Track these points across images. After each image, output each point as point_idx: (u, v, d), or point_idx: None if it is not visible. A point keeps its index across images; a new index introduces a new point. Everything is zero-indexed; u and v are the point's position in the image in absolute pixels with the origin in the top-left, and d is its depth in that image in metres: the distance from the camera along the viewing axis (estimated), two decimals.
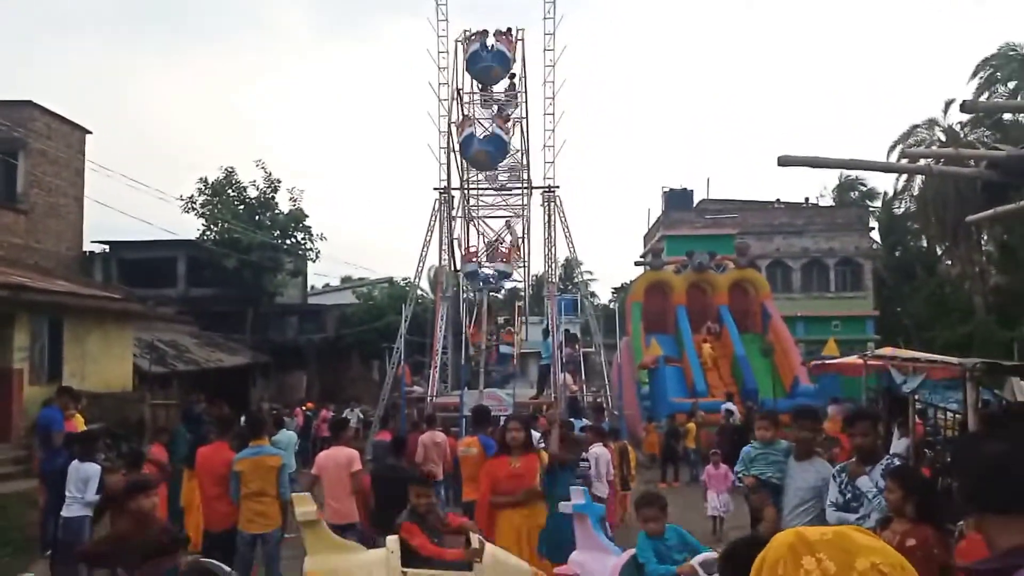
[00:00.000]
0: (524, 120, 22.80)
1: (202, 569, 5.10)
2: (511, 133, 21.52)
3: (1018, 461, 1.60)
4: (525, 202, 24.20)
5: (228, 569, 5.39)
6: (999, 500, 1.61)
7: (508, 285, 24.16)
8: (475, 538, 5.14)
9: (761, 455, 5.82)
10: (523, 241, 23.78)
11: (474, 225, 24.41)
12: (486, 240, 24.05)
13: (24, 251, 21.32)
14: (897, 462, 5.42)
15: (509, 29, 22.08)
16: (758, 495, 5.62)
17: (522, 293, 24.55)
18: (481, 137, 20.45)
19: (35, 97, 23.03)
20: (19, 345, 14.94)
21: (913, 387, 11.34)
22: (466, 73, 21.89)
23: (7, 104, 22.50)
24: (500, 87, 22.79)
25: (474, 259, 22.15)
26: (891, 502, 4.30)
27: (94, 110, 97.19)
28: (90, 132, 25.21)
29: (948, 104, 30.91)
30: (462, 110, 22.32)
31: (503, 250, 23.10)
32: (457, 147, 21.01)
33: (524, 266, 23.77)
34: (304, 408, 21.08)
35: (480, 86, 22.76)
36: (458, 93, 22.07)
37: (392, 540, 5.01)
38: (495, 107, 22.31)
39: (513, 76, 22.22)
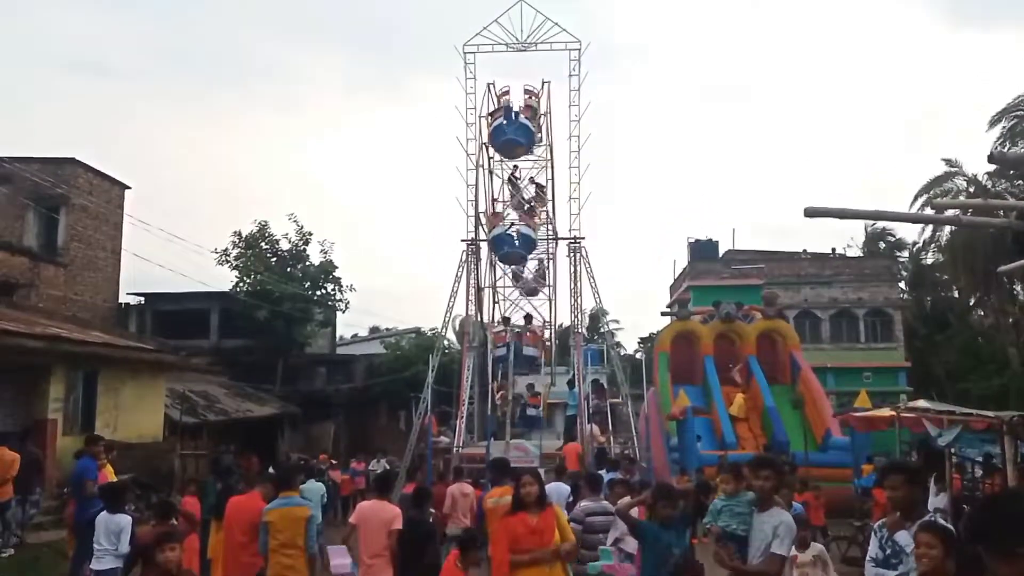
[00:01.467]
0: (549, 170, 23.14)
1: None
2: (537, 229, 22.08)
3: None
4: (551, 253, 24.40)
5: None
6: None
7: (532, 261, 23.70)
8: None
9: (727, 507, 5.86)
10: (550, 195, 23.23)
11: (496, 175, 23.85)
12: (512, 193, 23.63)
13: (63, 303, 21.86)
14: (939, 518, 5.35)
15: (531, 90, 22.55)
16: (722, 548, 5.60)
17: (549, 343, 24.52)
18: (511, 238, 21.01)
19: (77, 153, 23.97)
20: (54, 396, 15.22)
21: (948, 440, 11.15)
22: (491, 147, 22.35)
23: (52, 161, 23.39)
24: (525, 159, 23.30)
25: (498, 219, 21.89)
26: (931, 559, 4.22)
27: (132, 164, 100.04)
28: (129, 188, 26.05)
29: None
30: (492, 205, 22.89)
31: (527, 203, 22.61)
32: (486, 240, 21.66)
33: (550, 224, 23.29)
34: (324, 461, 20.44)
35: (503, 158, 23.17)
36: (484, 147, 22.50)
37: None
38: (524, 205, 22.71)
39: (532, 147, 22.48)
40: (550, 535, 6.14)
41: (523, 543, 6.08)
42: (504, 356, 21.00)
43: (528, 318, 23.14)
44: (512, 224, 21.42)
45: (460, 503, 10.59)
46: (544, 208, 22.90)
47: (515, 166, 23.31)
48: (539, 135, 22.27)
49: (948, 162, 31.98)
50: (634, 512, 6.52)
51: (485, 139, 22.24)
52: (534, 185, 23.15)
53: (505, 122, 21.19)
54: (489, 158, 23.12)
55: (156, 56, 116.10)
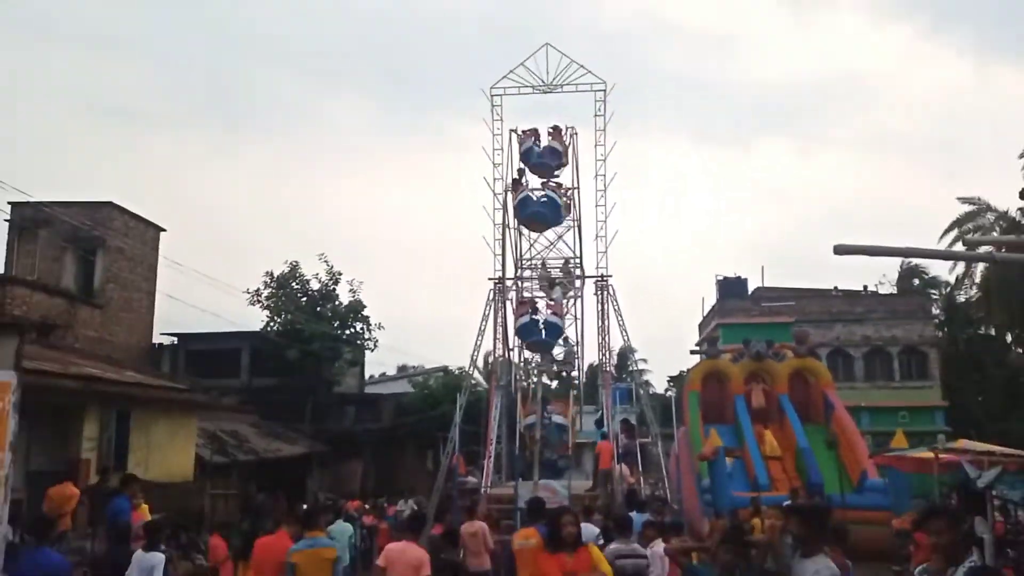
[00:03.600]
0: (576, 210, 23.28)
1: None
2: (565, 318, 22.18)
3: None
4: (578, 291, 24.43)
5: None
6: None
7: (558, 352, 23.59)
8: None
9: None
10: (577, 271, 23.24)
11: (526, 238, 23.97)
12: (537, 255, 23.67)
13: (98, 343, 22.24)
14: (978, 563, 5.20)
15: (557, 127, 22.86)
16: None
17: (576, 382, 24.41)
18: (538, 324, 21.05)
19: (113, 196, 24.57)
20: (88, 435, 15.40)
21: (988, 482, 10.86)
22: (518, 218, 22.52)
23: (89, 205, 24.01)
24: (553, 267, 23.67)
25: (525, 307, 21.81)
26: None
27: (165, 206, 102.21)
28: (164, 230, 26.62)
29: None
30: (520, 294, 23.07)
31: (553, 303, 22.55)
32: (513, 329, 21.76)
33: (578, 347, 23.46)
34: (358, 508, 19.32)
35: (535, 176, 23.36)
36: (510, 188, 22.75)
37: None
38: (554, 288, 22.89)
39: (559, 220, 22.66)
40: (585, 573, 6.06)
41: None
42: (533, 424, 20.92)
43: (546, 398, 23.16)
44: (537, 311, 21.36)
45: (468, 542, 10.49)
46: (572, 290, 23.07)
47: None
48: (567, 210, 22.48)
49: (969, 201, 31.49)
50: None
51: (509, 179, 22.53)
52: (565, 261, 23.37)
53: (534, 144, 21.55)
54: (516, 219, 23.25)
55: (187, 100, 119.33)
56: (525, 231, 23.72)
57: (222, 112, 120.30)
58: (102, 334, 23.04)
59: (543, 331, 20.94)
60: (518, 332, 21.34)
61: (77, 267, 23.96)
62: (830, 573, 5.26)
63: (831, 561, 5.39)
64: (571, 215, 23.12)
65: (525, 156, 21.93)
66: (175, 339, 30.48)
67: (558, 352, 23.87)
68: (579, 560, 6.08)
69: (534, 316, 20.96)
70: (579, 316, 24.21)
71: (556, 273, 23.70)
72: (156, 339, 28.38)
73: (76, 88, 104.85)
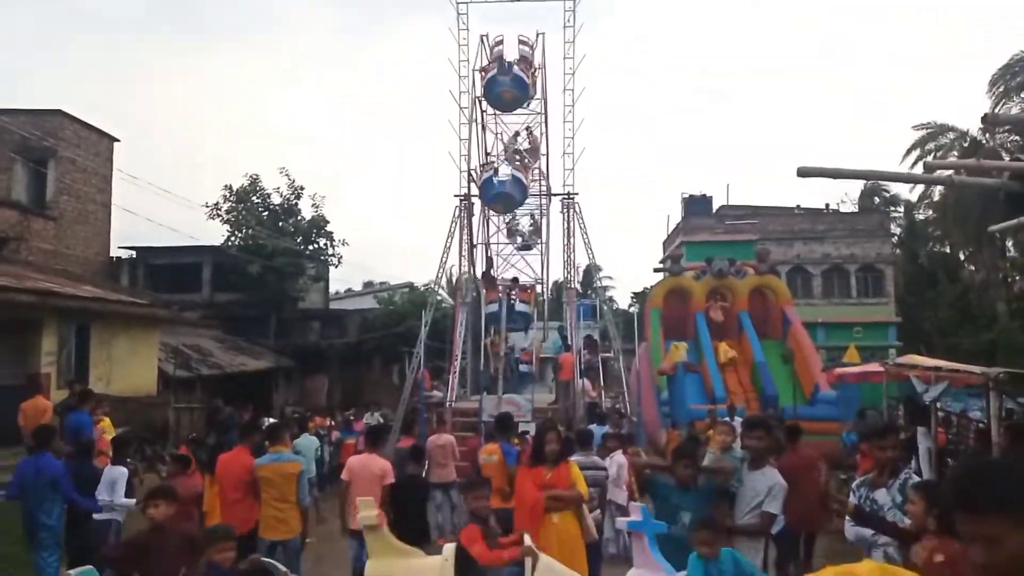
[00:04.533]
0: (543, 124, 22.90)
1: (260, 569, 5.22)
2: (530, 181, 21.68)
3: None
4: (544, 208, 24.30)
5: (284, 569, 5.50)
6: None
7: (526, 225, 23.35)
8: (527, 539, 5.13)
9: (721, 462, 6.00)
10: (544, 150, 22.81)
11: (490, 130, 23.28)
12: (504, 142, 23.29)
13: (53, 257, 21.75)
14: (915, 476, 5.46)
15: (526, 41, 22.15)
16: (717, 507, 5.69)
17: (542, 297, 24.55)
18: (501, 182, 20.56)
19: (64, 105, 23.56)
20: (47, 350, 15.27)
21: (935, 396, 11.30)
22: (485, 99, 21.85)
23: (37, 113, 23.04)
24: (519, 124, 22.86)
25: (489, 168, 21.35)
26: (914, 516, 4.31)
27: (121, 116, 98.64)
28: (118, 140, 25.74)
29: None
30: (483, 134, 22.46)
31: (521, 150, 22.22)
32: (477, 190, 21.19)
33: (543, 179, 23.01)
34: (321, 425, 18.20)
35: (497, 112, 22.74)
36: (477, 101, 22.20)
37: (448, 548, 4.83)
38: (516, 160, 22.28)
39: (527, 100, 22.01)
40: (564, 488, 6.22)
41: (535, 496, 6.11)
42: (497, 313, 21.02)
43: (515, 280, 23.10)
44: (499, 170, 21.00)
45: (435, 454, 10.67)
46: (537, 164, 22.70)
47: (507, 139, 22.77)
48: (533, 88, 21.94)
49: (924, 126, 31.85)
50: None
51: (479, 93, 21.92)
52: (528, 135, 22.82)
53: (499, 74, 20.84)
54: (483, 112, 22.84)
55: (140, 3, 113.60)
56: (493, 151, 23.31)
57: (177, 17, 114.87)
58: (57, 247, 22.52)
59: (505, 184, 20.51)
60: (481, 190, 20.88)
61: (28, 178, 23.17)
62: (782, 485, 5.48)
63: (777, 472, 5.61)
64: (539, 126, 22.67)
65: (488, 87, 21.12)
66: (133, 253, 29.93)
67: (524, 227, 23.68)
68: (558, 475, 6.20)
69: (496, 178, 20.68)
70: (545, 239, 24.12)
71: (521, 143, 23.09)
72: (114, 253, 27.85)
73: None
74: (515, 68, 20.88)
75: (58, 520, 7.50)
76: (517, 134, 23.02)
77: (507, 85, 20.74)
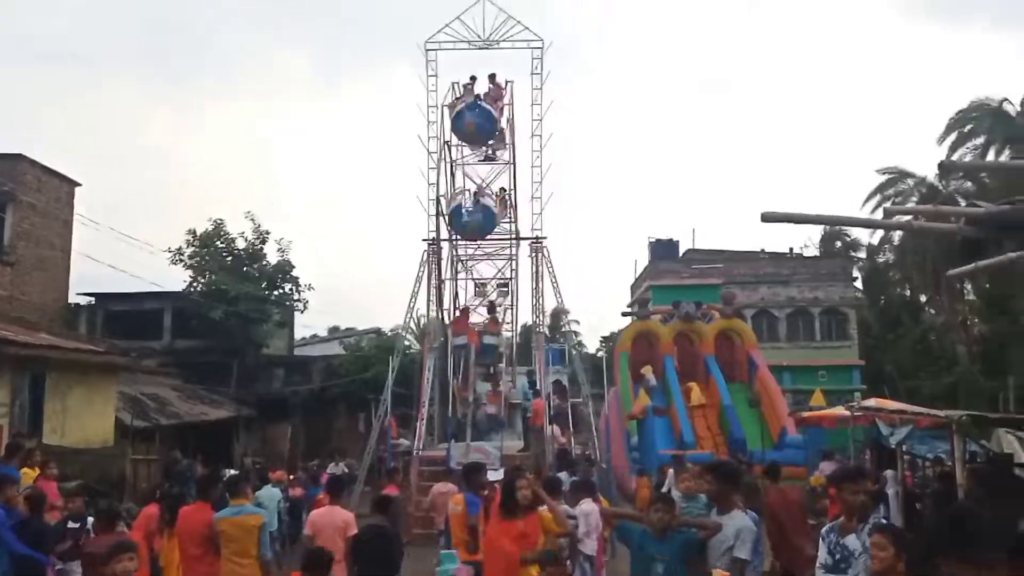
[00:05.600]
0: (512, 169, 23.07)
1: None
2: (498, 205, 21.83)
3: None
4: (513, 253, 24.35)
5: None
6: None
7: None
8: None
9: (685, 509, 5.94)
10: (511, 202, 22.95)
11: (458, 176, 23.66)
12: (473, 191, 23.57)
13: (9, 303, 21.20)
14: (884, 520, 5.44)
15: (494, 76, 22.41)
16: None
17: (510, 341, 24.46)
18: (471, 207, 20.67)
19: (24, 149, 23.20)
20: (0, 400, 14.75)
21: (900, 439, 11.37)
22: (453, 134, 22.07)
23: None
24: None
25: (459, 196, 21.53)
26: (882, 560, 4.26)
27: (82, 160, 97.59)
28: (79, 184, 25.35)
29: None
30: (452, 179, 22.65)
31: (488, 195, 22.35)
32: (446, 218, 21.24)
33: (512, 224, 23.04)
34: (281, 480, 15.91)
35: (465, 145, 22.92)
36: (447, 146, 22.32)
37: None
38: (485, 183, 22.49)
39: (494, 139, 22.26)
40: (535, 539, 6.11)
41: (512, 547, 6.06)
42: (464, 346, 20.84)
43: (491, 306, 23.06)
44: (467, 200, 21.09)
45: (439, 502, 10.63)
46: (507, 212, 22.80)
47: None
48: (498, 126, 22.05)
49: (887, 171, 32.94)
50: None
51: (448, 136, 22.05)
52: (500, 195, 23.05)
53: (467, 109, 21.00)
54: (452, 162, 22.95)
55: (106, 47, 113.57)
56: (460, 186, 23.41)
57: (145, 60, 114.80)
58: (13, 293, 21.97)
59: (473, 209, 20.50)
60: (450, 216, 20.86)
61: None
62: (750, 529, 5.42)
63: (746, 516, 5.56)
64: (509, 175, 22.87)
65: (456, 120, 21.32)
66: (92, 299, 29.28)
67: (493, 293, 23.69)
68: (530, 524, 6.11)
69: (465, 206, 20.73)
70: (514, 284, 24.15)
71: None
72: (72, 299, 27.23)
73: None
74: (481, 102, 21.08)
75: (4, 569, 7.19)
76: (481, 190, 23.20)
77: (472, 118, 20.91)
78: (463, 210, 20.56)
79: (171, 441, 20.13)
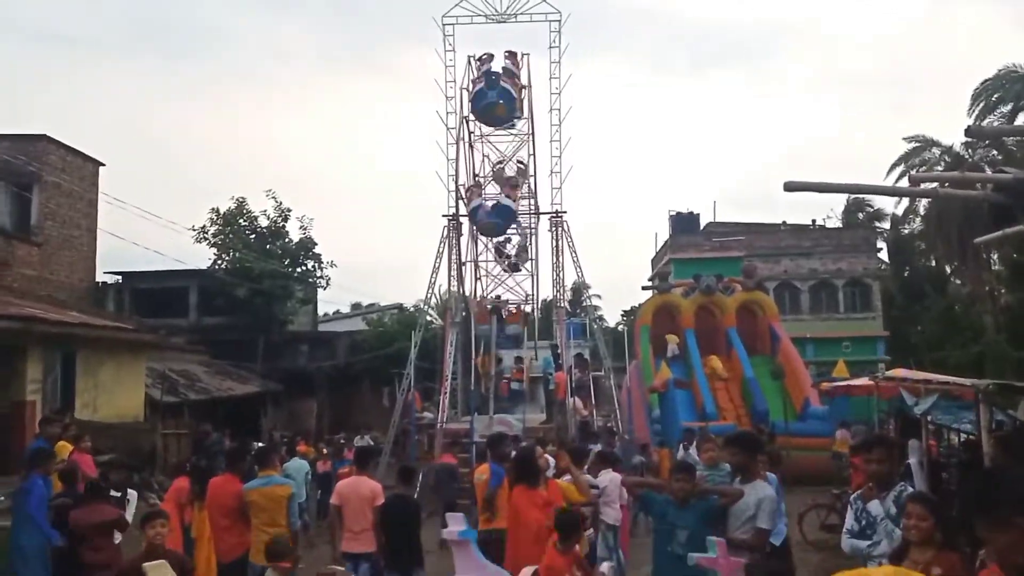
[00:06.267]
0: (531, 144, 22.97)
1: None
2: (518, 202, 21.77)
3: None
4: (533, 227, 24.31)
5: None
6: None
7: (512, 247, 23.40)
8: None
9: (708, 478, 5.99)
10: (531, 171, 22.83)
11: (478, 150, 23.37)
12: (492, 165, 23.35)
13: (37, 283, 21.56)
14: (909, 488, 5.44)
15: (514, 53, 22.29)
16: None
17: (531, 317, 24.51)
18: (490, 208, 20.61)
19: (49, 130, 23.45)
20: (32, 377, 15.07)
21: (925, 409, 11.29)
22: (471, 115, 21.96)
23: (22, 138, 22.93)
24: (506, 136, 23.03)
25: (478, 190, 21.44)
26: (922, 530, 4.23)
27: (107, 140, 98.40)
28: (103, 164, 25.63)
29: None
30: (471, 151, 22.60)
31: (507, 175, 22.32)
32: (466, 212, 21.34)
33: (531, 198, 22.97)
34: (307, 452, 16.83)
35: (485, 126, 22.79)
36: (464, 121, 22.25)
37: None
38: (504, 176, 22.39)
39: (514, 114, 22.09)
40: (559, 503, 6.24)
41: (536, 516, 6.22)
42: (487, 330, 21.04)
43: (498, 298, 23.15)
44: (486, 199, 21.12)
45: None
46: (525, 182, 22.76)
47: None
48: (520, 103, 21.96)
49: (913, 139, 32.31)
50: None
51: (467, 112, 21.98)
52: (517, 164, 22.98)
53: (487, 87, 20.91)
54: (470, 133, 22.90)
55: (126, 28, 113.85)
56: (481, 171, 23.38)
57: (165, 41, 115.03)
58: (42, 273, 22.33)
59: (491, 213, 20.55)
60: (470, 214, 21.02)
61: (12, 204, 22.98)
62: (772, 498, 5.46)
63: (768, 486, 5.59)
64: (527, 148, 22.77)
65: (475, 100, 21.21)
66: (119, 278, 29.72)
67: (512, 247, 23.59)
68: (552, 492, 6.24)
69: (485, 201, 20.77)
70: (534, 257, 24.06)
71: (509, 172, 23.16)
72: (100, 278, 27.63)
73: (4, 10, 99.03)
74: (502, 81, 20.95)
75: (31, 542, 7.40)
76: (501, 162, 23.08)
77: (494, 99, 20.82)
78: (482, 212, 20.59)
79: (200, 416, 20.49)
